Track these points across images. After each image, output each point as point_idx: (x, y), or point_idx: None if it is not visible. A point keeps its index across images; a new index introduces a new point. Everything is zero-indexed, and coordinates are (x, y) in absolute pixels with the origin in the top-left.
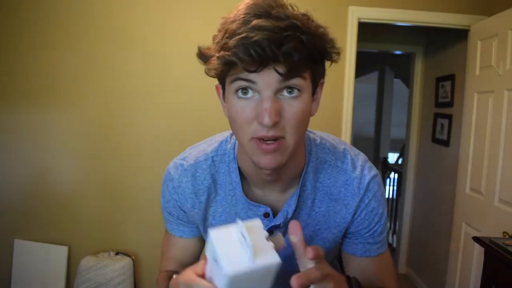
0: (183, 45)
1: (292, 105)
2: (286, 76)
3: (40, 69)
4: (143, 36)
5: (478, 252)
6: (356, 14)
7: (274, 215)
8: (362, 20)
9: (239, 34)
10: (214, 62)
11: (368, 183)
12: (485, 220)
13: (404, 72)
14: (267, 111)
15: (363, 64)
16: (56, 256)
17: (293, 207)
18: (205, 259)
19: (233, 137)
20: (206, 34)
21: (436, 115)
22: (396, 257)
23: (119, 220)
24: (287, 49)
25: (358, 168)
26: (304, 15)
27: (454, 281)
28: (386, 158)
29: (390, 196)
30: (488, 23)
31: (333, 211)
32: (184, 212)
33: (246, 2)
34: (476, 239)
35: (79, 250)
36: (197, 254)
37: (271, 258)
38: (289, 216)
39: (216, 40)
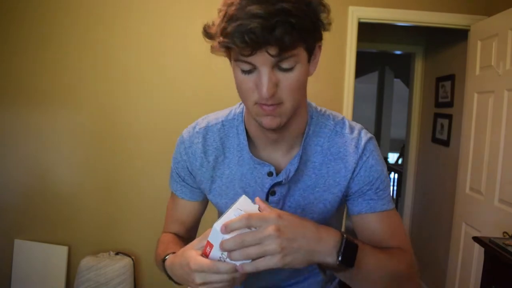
0: (181, 46)
1: (288, 77)
2: (278, 57)
3: (39, 70)
4: (142, 37)
5: (478, 252)
6: (356, 14)
7: (277, 174)
8: (362, 20)
9: (236, 20)
10: (217, 46)
11: (365, 144)
12: (485, 220)
13: (404, 72)
14: (264, 85)
15: (363, 64)
16: (56, 256)
17: (295, 166)
18: (208, 245)
19: (242, 104)
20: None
21: (436, 115)
22: None
23: (119, 220)
24: (278, 34)
25: (355, 132)
26: None
27: (454, 281)
28: (386, 158)
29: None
30: (488, 23)
31: (332, 171)
32: (192, 174)
33: None
34: (476, 239)
35: (79, 250)
36: (198, 217)
37: None
38: (291, 174)
39: (219, 20)
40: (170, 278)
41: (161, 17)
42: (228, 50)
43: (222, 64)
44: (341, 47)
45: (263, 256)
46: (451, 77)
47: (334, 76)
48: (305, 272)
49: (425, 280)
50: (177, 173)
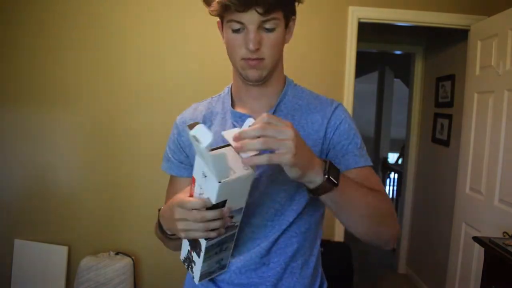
0: (181, 46)
1: (269, 37)
2: (264, 15)
3: (39, 70)
4: (141, 37)
5: (478, 252)
6: (356, 14)
7: None
8: (362, 20)
9: None
10: (215, 5)
11: (338, 105)
12: (485, 220)
13: (404, 72)
14: (251, 40)
15: (363, 64)
16: (56, 256)
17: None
18: (192, 182)
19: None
20: (203, 35)
21: (436, 115)
22: (396, 257)
23: (119, 220)
24: None
25: (329, 98)
26: None
27: (454, 281)
28: (386, 158)
29: (390, 196)
30: (488, 23)
31: (311, 121)
32: (182, 149)
33: None
34: (476, 239)
35: (79, 250)
36: None
37: (247, 170)
38: None
39: None
40: (161, 230)
41: (161, 17)
42: (223, 12)
43: (222, 65)
44: (341, 47)
45: (276, 151)
46: (451, 77)
47: (334, 76)
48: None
49: (425, 280)
50: (168, 149)
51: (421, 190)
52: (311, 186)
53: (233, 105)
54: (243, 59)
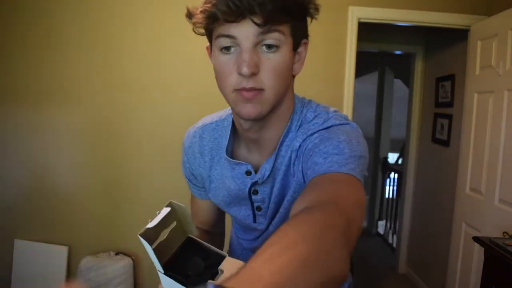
0: (180, 46)
1: (271, 59)
2: (263, 27)
3: (39, 70)
4: (141, 37)
5: (478, 252)
6: (356, 14)
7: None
8: (362, 20)
9: None
10: (198, 16)
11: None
12: (485, 220)
13: (404, 72)
14: (245, 62)
15: (363, 64)
16: (56, 256)
17: (271, 164)
18: None
19: None
20: (203, 37)
21: (436, 115)
22: (396, 257)
23: (119, 220)
24: (263, 1)
25: (340, 130)
26: None
27: (454, 281)
28: (386, 158)
29: (390, 196)
30: (488, 23)
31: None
32: (193, 175)
33: None
34: (476, 239)
35: (79, 250)
36: (215, 214)
37: None
38: (267, 173)
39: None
40: None
41: (160, 17)
42: (210, 23)
43: None
44: (341, 47)
45: None
46: (451, 77)
47: (334, 76)
48: None
49: (425, 280)
50: (185, 175)
51: (421, 190)
52: None
53: (237, 137)
54: (235, 90)
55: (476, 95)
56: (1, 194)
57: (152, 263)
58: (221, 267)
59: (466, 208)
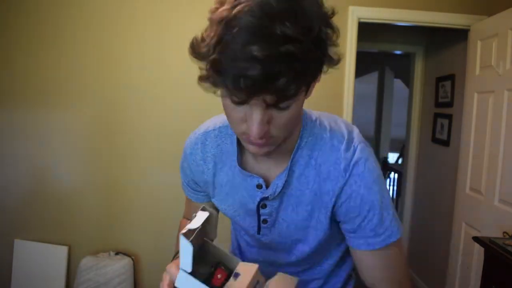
0: (182, 44)
1: (282, 116)
2: (275, 104)
3: (39, 69)
4: (144, 36)
5: (478, 252)
6: (356, 14)
7: (267, 186)
8: (362, 20)
9: (232, 58)
10: (205, 79)
11: (355, 166)
12: (485, 220)
13: (404, 72)
14: (255, 125)
15: (363, 64)
16: (56, 256)
17: (283, 180)
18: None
19: None
20: None
21: (436, 115)
22: None
23: (119, 220)
24: (279, 84)
25: (351, 150)
26: (306, 28)
27: (454, 281)
28: (386, 158)
29: (390, 196)
30: (488, 23)
31: (320, 192)
32: (194, 181)
33: None
34: (476, 239)
35: (79, 250)
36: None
37: None
38: (278, 189)
39: (209, 39)
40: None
41: (164, 14)
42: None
43: None
44: (341, 47)
45: None
46: (451, 77)
47: (334, 76)
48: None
49: (425, 280)
50: (182, 176)
51: (421, 190)
52: None
53: (242, 146)
54: (245, 134)
55: (476, 95)
56: (1, 194)
57: (152, 263)
58: (237, 270)
59: (466, 208)
